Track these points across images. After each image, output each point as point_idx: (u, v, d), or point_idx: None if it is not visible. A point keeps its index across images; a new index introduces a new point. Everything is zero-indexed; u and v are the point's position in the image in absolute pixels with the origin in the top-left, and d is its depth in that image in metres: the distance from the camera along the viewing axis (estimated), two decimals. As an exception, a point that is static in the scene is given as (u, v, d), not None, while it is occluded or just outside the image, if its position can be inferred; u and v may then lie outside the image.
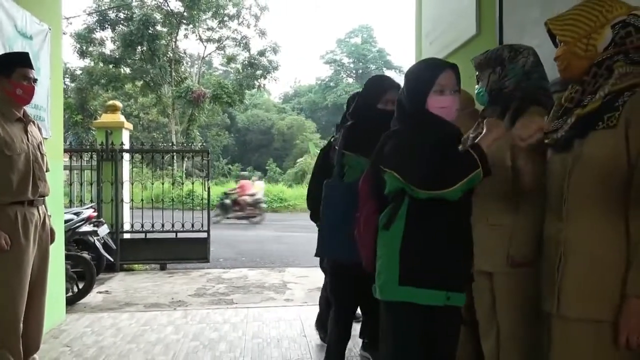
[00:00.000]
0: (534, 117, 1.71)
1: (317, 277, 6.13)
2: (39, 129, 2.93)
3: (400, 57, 43.95)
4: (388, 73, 40.69)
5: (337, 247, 2.43)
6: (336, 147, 2.54)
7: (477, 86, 2.14)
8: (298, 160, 25.71)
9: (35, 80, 2.76)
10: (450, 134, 1.76)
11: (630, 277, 1.34)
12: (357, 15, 79.65)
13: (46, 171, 2.86)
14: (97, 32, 20.46)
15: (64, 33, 19.12)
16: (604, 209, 1.41)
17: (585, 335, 1.42)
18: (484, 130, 1.71)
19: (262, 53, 22.53)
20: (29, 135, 2.73)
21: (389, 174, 1.72)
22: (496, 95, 2.04)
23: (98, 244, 5.53)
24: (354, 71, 41.36)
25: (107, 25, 20.42)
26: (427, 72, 1.79)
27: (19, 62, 2.69)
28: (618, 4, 1.49)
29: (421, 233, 1.70)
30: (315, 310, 4.16)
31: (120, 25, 20.36)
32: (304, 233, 11.28)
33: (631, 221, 1.36)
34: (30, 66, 2.73)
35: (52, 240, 2.94)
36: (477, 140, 1.69)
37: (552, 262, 1.52)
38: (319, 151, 3.39)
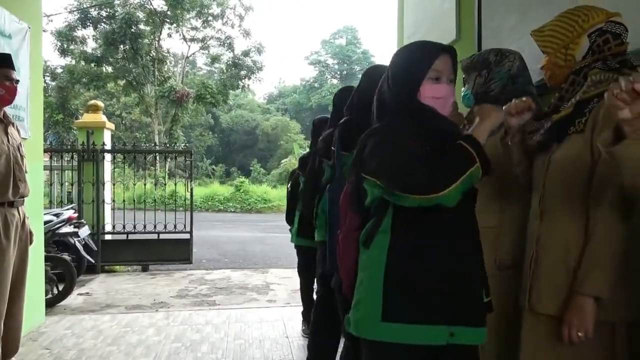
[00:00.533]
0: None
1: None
2: (18, 131, 2.91)
3: (385, 59, 44.23)
4: (372, 74, 40.75)
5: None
6: (333, 148, 2.31)
7: (463, 89, 2.17)
8: (282, 161, 25.68)
9: (17, 81, 2.75)
10: (446, 133, 1.42)
11: (578, 275, 1.40)
12: (341, 16, 79.84)
13: (25, 172, 2.85)
14: (78, 30, 20.17)
15: (44, 31, 18.78)
16: (572, 209, 1.47)
17: (552, 331, 1.47)
18: (477, 119, 1.46)
19: (246, 53, 22.46)
20: (9, 137, 2.72)
21: (369, 181, 1.38)
22: (482, 98, 2.08)
23: (79, 245, 5.47)
24: (338, 72, 41.44)
25: (88, 24, 20.14)
26: (422, 53, 1.47)
27: (1, 63, 2.68)
28: (595, 12, 1.53)
29: (410, 250, 1.35)
30: (298, 310, 4.18)
31: (102, 24, 20.11)
32: (288, 234, 11.29)
33: (590, 222, 1.42)
34: (12, 67, 2.73)
35: (31, 241, 2.92)
36: (470, 131, 1.43)
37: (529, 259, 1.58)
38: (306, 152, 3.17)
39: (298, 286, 5.62)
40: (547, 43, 1.60)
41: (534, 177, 1.67)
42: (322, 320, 2.85)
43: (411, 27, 4.12)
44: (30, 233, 2.91)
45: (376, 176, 1.36)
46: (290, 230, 4.01)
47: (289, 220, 4.06)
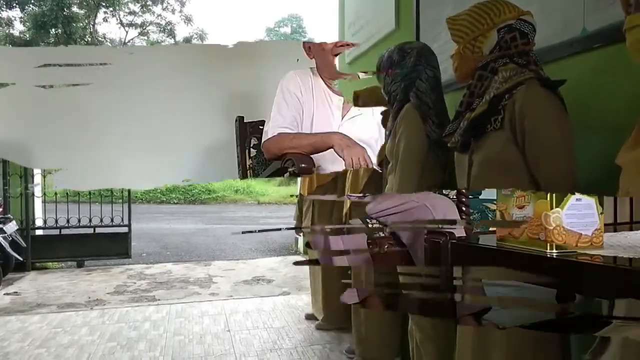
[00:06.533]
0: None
1: (243, 270, 6.08)
2: None
3: (330, 48, 44.27)
4: (318, 64, 40.76)
5: None
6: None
7: None
8: (227, 151, 25.24)
9: None
10: None
11: None
12: (286, 4, 79.13)
13: None
14: (3, 10, 18.86)
15: (-37, 11, 17.50)
16: None
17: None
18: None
19: (188, 40, 21.78)
20: None
21: None
22: (389, 98, 2.11)
23: (4, 243, 5.14)
24: (283, 61, 41.16)
25: (14, 4, 18.84)
26: None
27: None
28: (508, 8, 1.52)
29: None
30: (240, 303, 4.10)
31: (31, 5, 18.87)
32: (232, 225, 11.13)
33: None
34: None
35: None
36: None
37: None
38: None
39: (241, 278, 5.58)
40: (458, 32, 1.57)
41: (456, 176, 1.64)
42: None
43: (351, 16, 4.10)
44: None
45: None
46: None
47: None
